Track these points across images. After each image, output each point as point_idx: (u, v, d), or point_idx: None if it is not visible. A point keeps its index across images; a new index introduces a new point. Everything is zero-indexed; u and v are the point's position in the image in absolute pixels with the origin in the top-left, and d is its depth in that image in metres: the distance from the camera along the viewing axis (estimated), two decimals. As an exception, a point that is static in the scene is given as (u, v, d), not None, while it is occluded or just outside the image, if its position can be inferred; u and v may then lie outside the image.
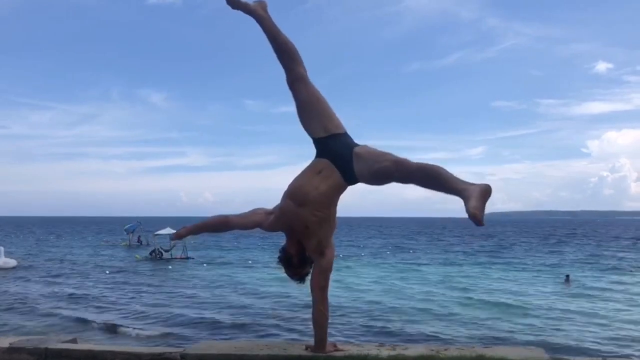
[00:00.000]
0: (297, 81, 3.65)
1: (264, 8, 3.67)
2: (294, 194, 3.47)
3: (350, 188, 3.53)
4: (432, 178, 3.13)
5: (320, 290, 3.49)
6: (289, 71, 3.66)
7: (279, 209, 3.52)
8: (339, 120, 3.66)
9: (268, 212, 3.57)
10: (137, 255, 37.81)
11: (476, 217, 2.86)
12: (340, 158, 3.45)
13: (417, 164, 3.18)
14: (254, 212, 3.61)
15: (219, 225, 3.69)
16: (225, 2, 3.64)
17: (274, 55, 3.69)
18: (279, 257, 3.61)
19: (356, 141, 3.56)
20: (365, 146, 3.48)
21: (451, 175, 3.09)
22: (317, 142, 3.60)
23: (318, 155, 3.58)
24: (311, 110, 3.63)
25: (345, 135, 3.60)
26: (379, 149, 3.44)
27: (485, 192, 2.94)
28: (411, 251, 44.44)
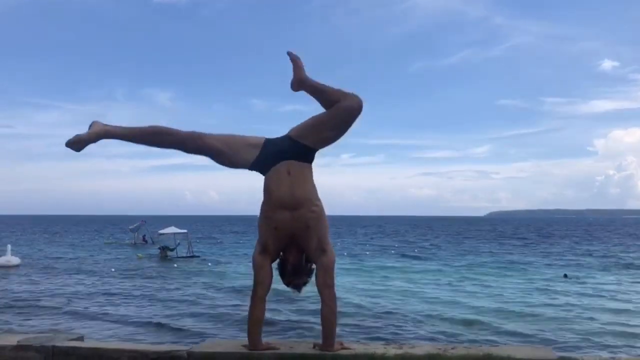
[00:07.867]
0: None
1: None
2: (283, 202, 3.40)
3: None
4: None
5: (327, 289, 3.47)
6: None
7: (274, 229, 3.44)
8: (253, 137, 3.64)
9: (259, 252, 3.52)
10: (139, 254, 37.67)
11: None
12: (286, 150, 3.46)
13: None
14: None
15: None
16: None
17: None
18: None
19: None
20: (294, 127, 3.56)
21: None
22: (256, 164, 3.53)
23: (266, 171, 3.50)
24: (232, 148, 3.53)
25: (267, 139, 3.59)
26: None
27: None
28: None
